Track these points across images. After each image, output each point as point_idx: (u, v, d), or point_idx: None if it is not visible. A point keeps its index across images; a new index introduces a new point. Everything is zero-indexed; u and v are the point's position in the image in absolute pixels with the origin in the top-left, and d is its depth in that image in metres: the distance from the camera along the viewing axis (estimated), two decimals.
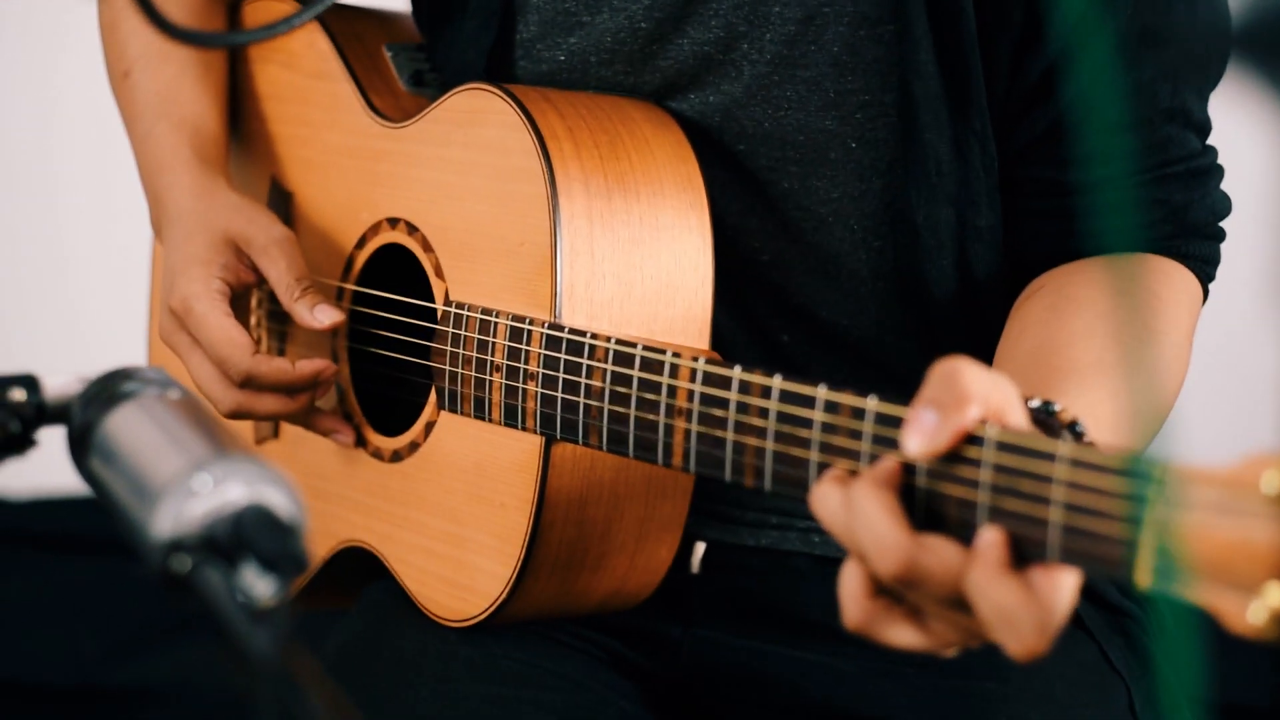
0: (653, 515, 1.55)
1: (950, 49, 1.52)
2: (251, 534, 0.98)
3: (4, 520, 3.49)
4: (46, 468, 1.36)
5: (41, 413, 1.20)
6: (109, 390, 1.15)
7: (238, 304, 1.67)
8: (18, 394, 1.20)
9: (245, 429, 1.83)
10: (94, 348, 3.63)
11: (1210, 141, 1.59)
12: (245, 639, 0.94)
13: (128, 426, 1.11)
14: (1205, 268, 1.56)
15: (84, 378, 1.19)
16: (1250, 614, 0.97)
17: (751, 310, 1.62)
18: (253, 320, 1.79)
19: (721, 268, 1.55)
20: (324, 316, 1.64)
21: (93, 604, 3.29)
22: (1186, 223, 1.54)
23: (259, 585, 0.97)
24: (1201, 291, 1.57)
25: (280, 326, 1.79)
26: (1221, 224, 1.59)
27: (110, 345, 3.60)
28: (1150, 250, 1.54)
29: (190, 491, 0.99)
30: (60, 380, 1.20)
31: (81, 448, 1.14)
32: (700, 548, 1.66)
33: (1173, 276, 1.54)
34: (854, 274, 1.59)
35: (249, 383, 1.63)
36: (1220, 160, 1.59)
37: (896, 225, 1.56)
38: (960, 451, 1.11)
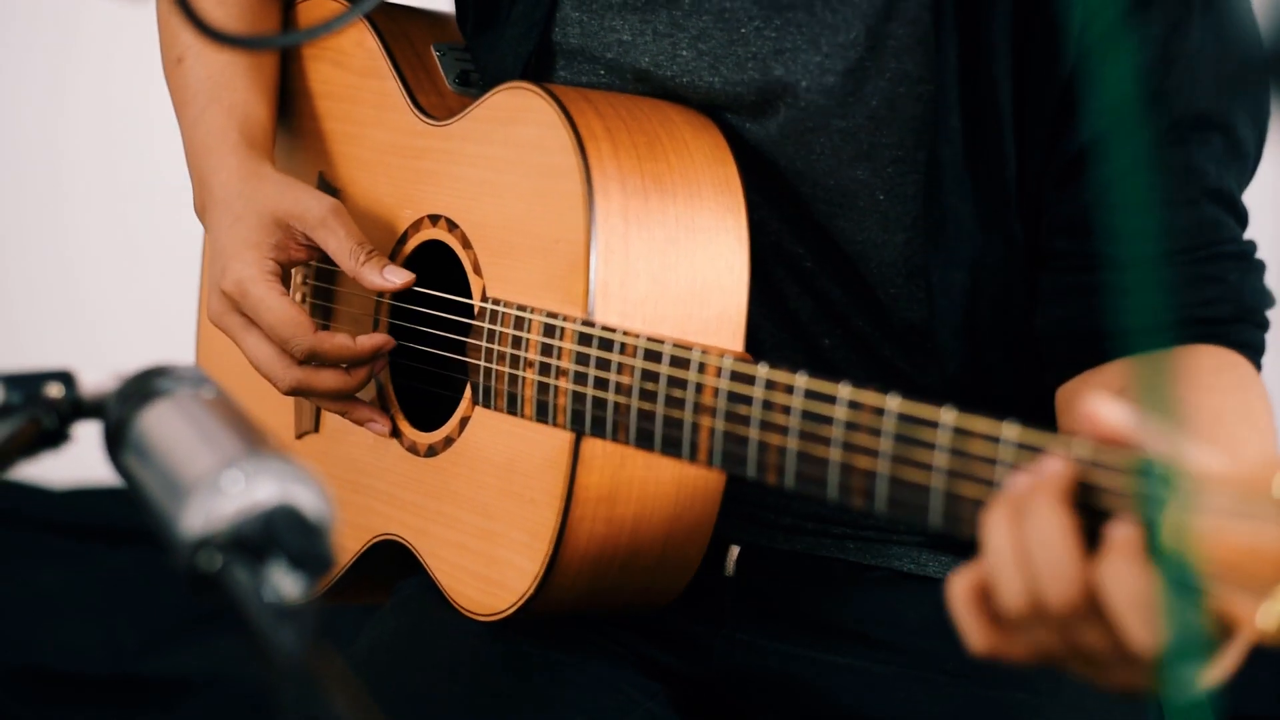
0: (682, 515, 1.56)
1: (978, 117, 1.51)
2: (280, 533, 0.99)
3: (43, 510, 3.53)
4: (85, 459, 1.37)
5: (77, 408, 1.21)
6: (144, 387, 1.16)
7: (285, 279, 1.69)
8: (54, 390, 1.21)
9: (286, 423, 1.86)
10: (103, 342, 3.69)
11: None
12: (270, 637, 0.95)
13: (161, 423, 1.12)
14: (1255, 356, 1.52)
15: (120, 374, 1.21)
16: (1260, 617, 0.97)
17: (796, 314, 1.62)
18: (296, 297, 1.81)
19: (764, 271, 1.56)
20: (394, 276, 1.66)
21: (130, 594, 3.32)
22: (1244, 304, 1.52)
23: (286, 584, 0.98)
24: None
25: (324, 303, 1.81)
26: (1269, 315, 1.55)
27: (119, 337, 3.66)
28: (1207, 337, 1.50)
29: (220, 489, 1.00)
30: (97, 377, 1.22)
31: (116, 444, 1.15)
32: (735, 551, 1.66)
33: (1242, 373, 1.50)
34: (871, 310, 1.60)
35: (310, 359, 1.64)
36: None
37: (913, 280, 1.57)
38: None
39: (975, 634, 1.11)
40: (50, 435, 1.21)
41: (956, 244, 1.54)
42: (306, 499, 1.01)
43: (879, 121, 1.54)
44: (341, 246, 1.66)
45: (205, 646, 3.13)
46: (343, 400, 1.70)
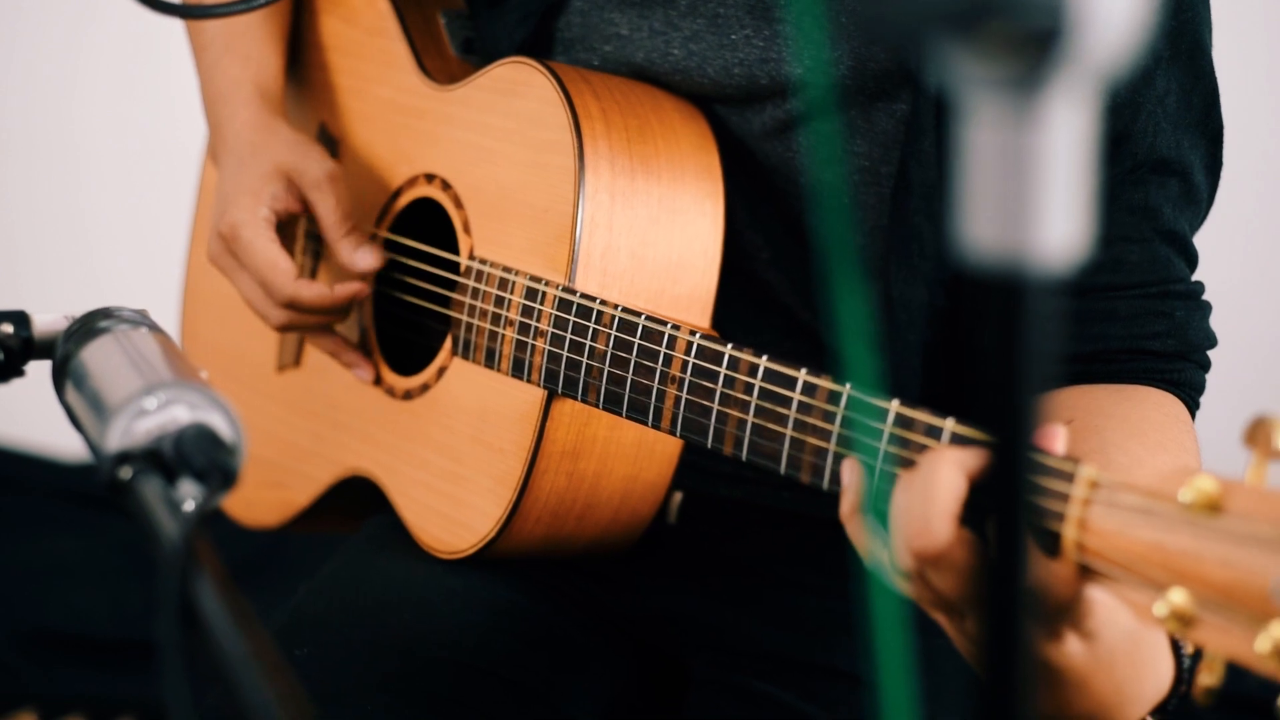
0: (639, 476, 1.66)
1: (952, 145, 1.58)
2: (190, 450, 1.10)
3: (55, 481, 3.63)
4: None
5: (29, 346, 1.33)
6: (88, 326, 1.28)
7: (284, 229, 1.79)
8: (6, 328, 1.34)
9: (269, 358, 1.96)
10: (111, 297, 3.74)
11: None
12: (159, 531, 1.05)
13: (97, 356, 1.23)
14: (1195, 396, 1.59)
15: (70, 315, 1.32)
16: (1155, 609, 1.07)
17: (774, 292, 1.71)
18: (298, 245, 1.90)
19: (743, 256, 1.65)
20: (364, 259, 1.77)
21: (136, 561, 3.40)
22: (1188, 340, 1.59)
23: (190, 493, 1.09)
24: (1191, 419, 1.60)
25: (316, 246, 1.91)
26: (1209, 355, 1.62)
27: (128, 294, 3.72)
28: (1148, 373, 1.57)
29: (141, 410, 1.11)
30: (48, 318, 1.34)
31: (60, 378, 1.26)
32: (678, 497, 1.76)
33: (1179, 415, 1.57)
34: (816, 304, 1.68)
35: (290, 306, 1.75)
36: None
37: (873, 289, 1.64)
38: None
39: (896, 582, 1.22)
40: (2, 369, 1.32)
41: (919, 261, 1.61)
42: (219, 422, 1.12)
43: (854, 130, 1.62)
44: (330, 213, 1.77)
45: None
46: (332, 339, 1.80)
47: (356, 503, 1.87)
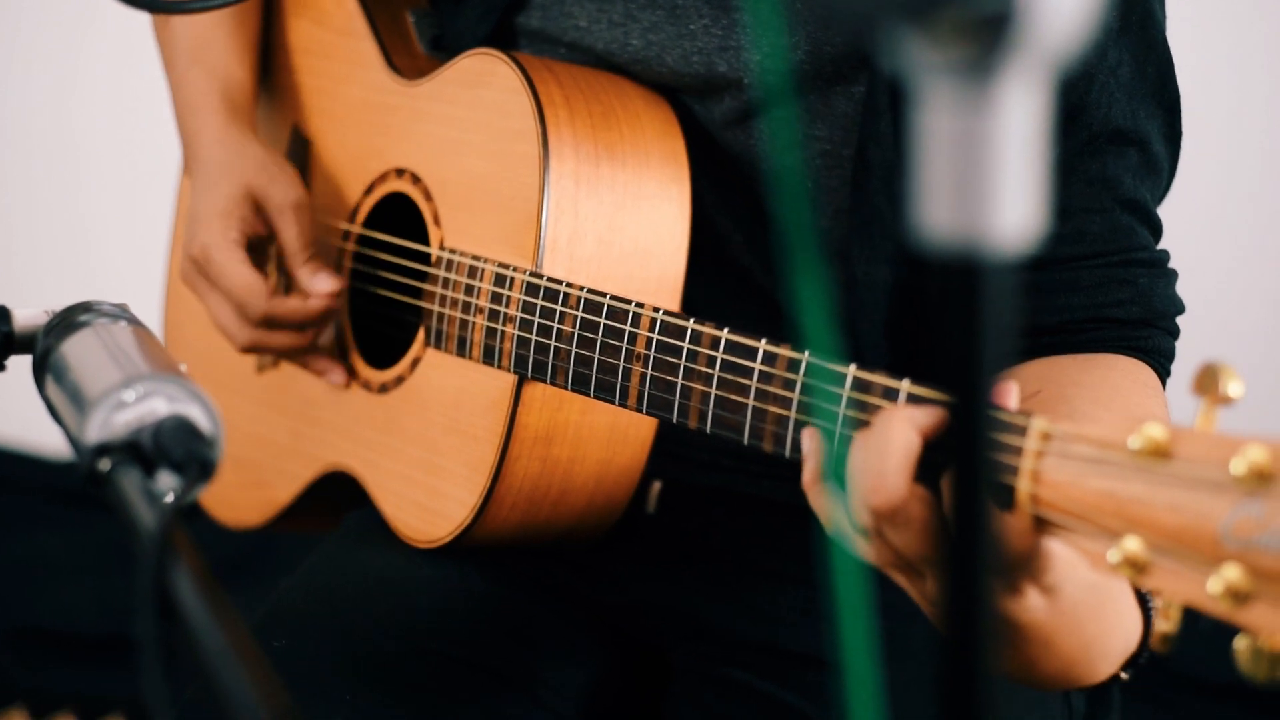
0: (612, 460, 1.67)
1: (908, 127, 1.58)
2: (168, 440, 1.11)
3: (42, 478, 3.64)
4: None
5: (10, 341, 1.35)
6: (68, 320, 1.29)
7: (257, 246, 1.83)
8: None
9: (248, 358, 1.97)
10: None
11: None
12: (137, 522, 1.06)
13: (78, 349, 1.25)
14: (1165, 363, 1.60)
15: (51, 310, 1.33)
16: (1109, 556, 1.08)
17: (749, 275, 1.72)
18: (271, 265, 1.92)
19: (696, 239, 1.67)
20: (322, 283, 1.80)
21: (123, 558, 3.41)
22: (1153, 308, 1.60)
23: (167, 483, 1.10)
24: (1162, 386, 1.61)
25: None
26: (1178, 322, 1.63)
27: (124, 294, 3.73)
28: (1116, 341, 1.58)
29: (120, 403, 1.13)
30: (29, 312, 1.35)
31: (41, 372, 1.27)
32: (656, 486, 1.77)
33: (1147, 381, 1.58)
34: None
35: (266, 323, 1.78)
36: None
37: (837, 270, 1.65)
38: None
39: (855, 546, 1.23)
40: None
41: (880, 241, 1.63)
42: (197, 414, 1.13)
43: (814, 115, 1.64)
44: (292, 240, 1.81)
45: None
46: (299, 354, 1.83)
47: (337, 500, 1.88)
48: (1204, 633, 1.13)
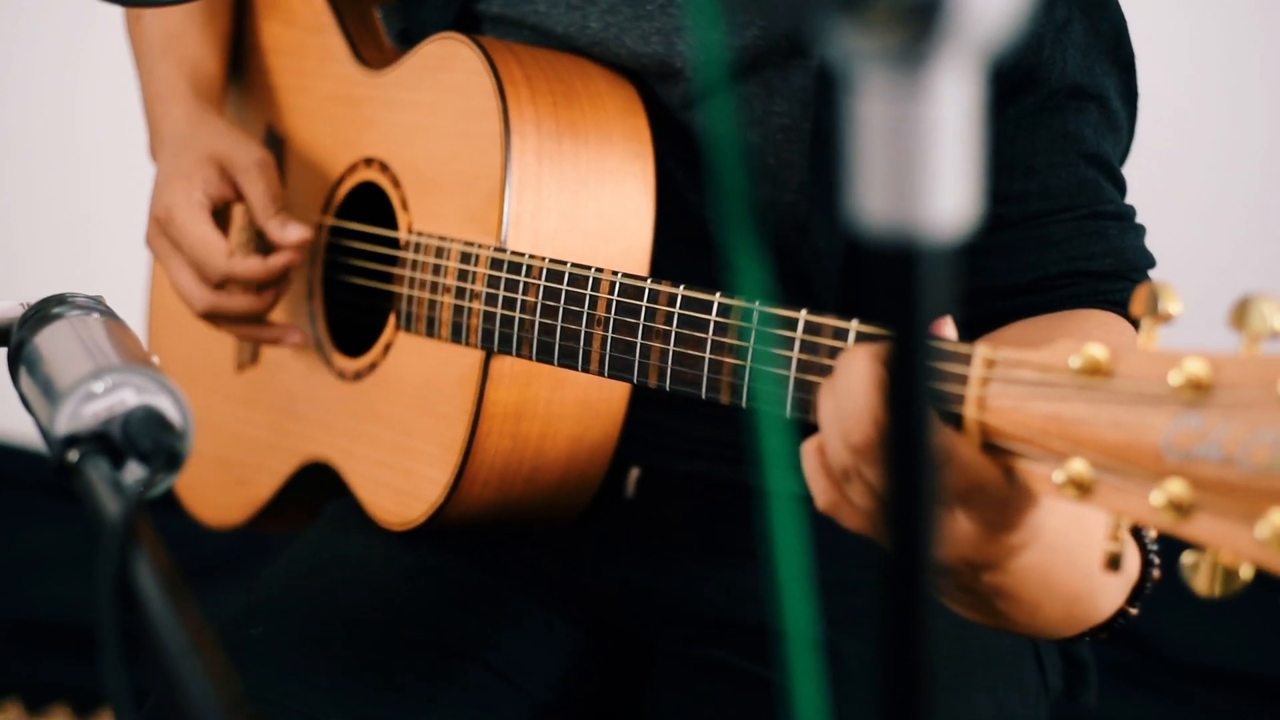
0: (584, 435, 1.68)
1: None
2: (136, 431, 1.12)
3: (27, 470, 3.66)
4: None
5: None
6: (43, 312, 1.30)
7: (220, 216, 1.83)
8: None
9: (228, 358, 1.99)
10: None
11: None
12: (100, 510, 1.07)
13: (51, 341, 1.25)
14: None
15: (26, 302, 1.34)
16: (1054, 477, 1.08)
17: (694, 258, 1.74)
18: (236, 229, 1.93)
19: (666, 215, 1.68)
20: (292, 232, 1.80)
21: None
22: (1124, 259, 1.59)
23: (135, 474, 1.11)
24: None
25: (256, 233, 1.92)
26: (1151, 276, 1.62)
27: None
28: (1090, 295, 1.58)
29: (89, 394, 1.13)
30: (4, 305, 1.36)
31: (15, 364, 1.28)
32: (635, 472, 1.78)
33: (1123, 331, 1.57)
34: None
35: (225, 283, 1.78)
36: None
37: (799, 242, 1.66)
38: None
39: (818, 490, 1.22)
40: None
41: (839, 212, 1.62)
42: (166, 405, 1.14)
43: (772, 90, 1.65)
44: (259, 196, 1.81)
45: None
46: (254, 325, 1.84)
47: (317, 494, 1.89)
48: (1190, 617, 1.12)
